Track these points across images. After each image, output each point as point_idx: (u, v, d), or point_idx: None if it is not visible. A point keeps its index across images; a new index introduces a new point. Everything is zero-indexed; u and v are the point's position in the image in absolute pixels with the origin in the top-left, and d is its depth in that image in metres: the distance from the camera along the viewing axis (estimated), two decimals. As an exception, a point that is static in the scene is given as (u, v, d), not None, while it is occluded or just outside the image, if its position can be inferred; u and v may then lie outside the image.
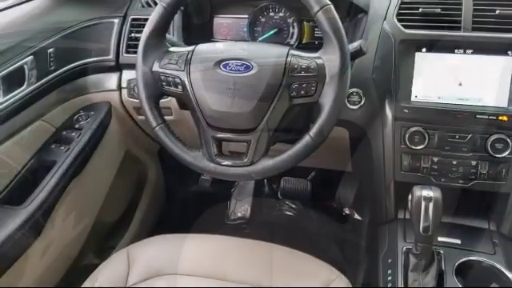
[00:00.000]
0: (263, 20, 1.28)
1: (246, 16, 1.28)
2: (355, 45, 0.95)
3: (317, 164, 1.72)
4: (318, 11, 0.87)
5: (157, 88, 0.96)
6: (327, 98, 0.88)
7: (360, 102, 1.10)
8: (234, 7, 1.30)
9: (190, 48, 0.96)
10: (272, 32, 1.27)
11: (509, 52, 1.02)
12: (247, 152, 0.92)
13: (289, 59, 0.90)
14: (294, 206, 2.00)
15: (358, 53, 0.96)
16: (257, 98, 0.89)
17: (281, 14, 1.26)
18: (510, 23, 1.02)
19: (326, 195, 1.91)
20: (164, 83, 0.96)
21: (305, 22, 1.24)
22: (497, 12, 1.02)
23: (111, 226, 1.54)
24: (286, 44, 1.26)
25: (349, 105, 1.11)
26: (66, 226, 1.21)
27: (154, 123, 0.97)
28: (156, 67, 0.95)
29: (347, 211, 1.91)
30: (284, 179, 1.86)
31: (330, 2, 0.88)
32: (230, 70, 0.91)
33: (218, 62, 0.92)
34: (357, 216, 1.89)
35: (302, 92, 0.89)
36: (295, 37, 1.26)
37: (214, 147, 0.94)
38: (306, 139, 0.90)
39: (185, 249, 1.03)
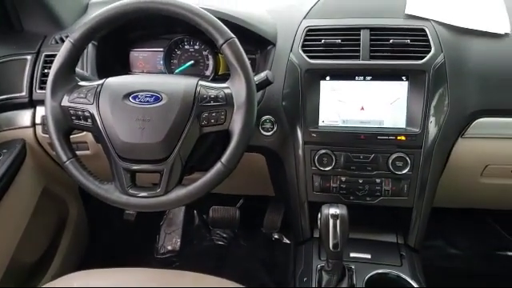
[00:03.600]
0: (179, 53, 1.31)
1: (162, 49, 1.31)
2: (262, 75, 1.00)
3: (243, 191, 1.75)
4: (223, 44, 0.92)
5: (66, 122, 0.96)
6: (236, 126, 0.92)
7: (273, 129, 1.15)
8: (150, 41, 1.32)
9: (100, 81, 0.98)
10: (188, 64, 1.30)
11: (403, 77, 1.11)
12: (160, 182, 0.93)
13: (198, 89, 0.94)
14: (224, 234, 2.01)
15: (266, 82, 1.00)
16: (167, 129, 0.91)
17: (196, 47, 1.30)
18: (402, 51, 1.11)
19: (256, 221, 1.94)
20: (73, 117, 0.96)
21: (220, 54, 1.29)
22: (390, 41, 1.12)
23: (30, 266, 1.47)
24: (202, 75, 1.30)
25: (262, 131, 1.16)
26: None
27: (63, 157, 0.96)
28: (65, 102, 0.96)
29: (276, 236, 1.95)
30: (212, 209, 1.87)
31: (234, 36, 0.93)
32: (140, 101, 0.93)
33: (128, 94, 0.94)
34: (285, 240, 1.93)
35: (212, 120, 0.93)
36: (211, 68, 1.30)
37: (126, 179, 0.95)
38: (218, 166, 0.92)
39: (106, 283, 1.01)
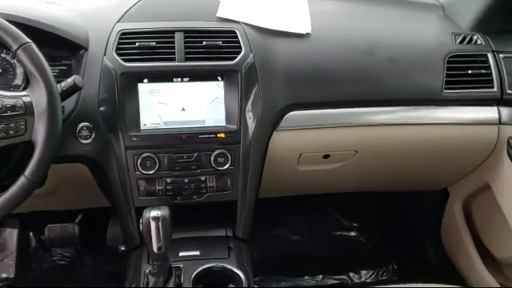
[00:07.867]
0: (-17, 62, 1.19)
1: (-39, 59, 1.18)
2: (69, 80, 0.96)
3: (78, 205, 1.66)
4: (17, 49, 0.87)
5: None
6: (39, 136, 0.88)
7: (91, 136, 1.11)
8: None
9: None
10: (-6, 74, 1.19)
11: (218, 77, 1.16)
12: None
13: None
14: (67, 253, 1.90)
15: (74, 88, 0.97)
16: None
17: (3, 55, 1.20)
18: (215, 52, 1.16)
19: (99, 235, 1.86)
20: None
21: None
22: (204, 43, 1.15)
23: None
24: (12, 85, 1.20)
25: (80, 139, 1.10)
26: None
27: None
28: None
29: (122, 247, 1.88)
30: (48, 227, 1.73)
31: (29, 40, 0.88)
32: None
33: None
34: (133, 250, 1.88)
35: (11, 132, 0.87)
36: (21, 77, 1.20)
37: None
38: (22, 180, 0.87)
39: None
